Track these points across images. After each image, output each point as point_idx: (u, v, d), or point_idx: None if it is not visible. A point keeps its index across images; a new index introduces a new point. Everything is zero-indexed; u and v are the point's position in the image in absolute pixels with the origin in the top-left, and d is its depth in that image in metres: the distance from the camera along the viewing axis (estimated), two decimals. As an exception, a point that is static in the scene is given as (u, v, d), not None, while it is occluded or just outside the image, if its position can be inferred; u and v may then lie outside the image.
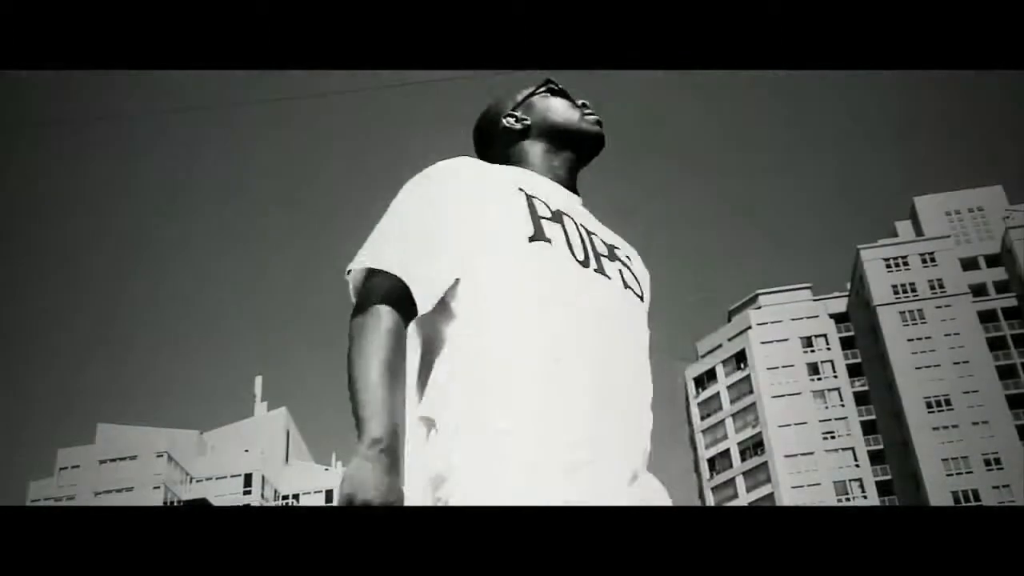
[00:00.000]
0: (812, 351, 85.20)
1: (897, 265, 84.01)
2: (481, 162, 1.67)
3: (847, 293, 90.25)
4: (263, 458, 77.38)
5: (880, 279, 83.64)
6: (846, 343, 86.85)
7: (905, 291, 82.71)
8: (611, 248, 1.70)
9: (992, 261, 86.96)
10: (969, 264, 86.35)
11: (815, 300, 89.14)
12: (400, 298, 1.45)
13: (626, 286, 1.64)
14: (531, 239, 1.54)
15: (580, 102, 1.80)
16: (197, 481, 76.15)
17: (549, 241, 1.55)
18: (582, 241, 1.62)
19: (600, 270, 1.60)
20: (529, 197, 1.60)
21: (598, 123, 1.78)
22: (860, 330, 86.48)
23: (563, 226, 1.60)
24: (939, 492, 72.87)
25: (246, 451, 78.48)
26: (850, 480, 78.45)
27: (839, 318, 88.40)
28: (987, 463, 73.78)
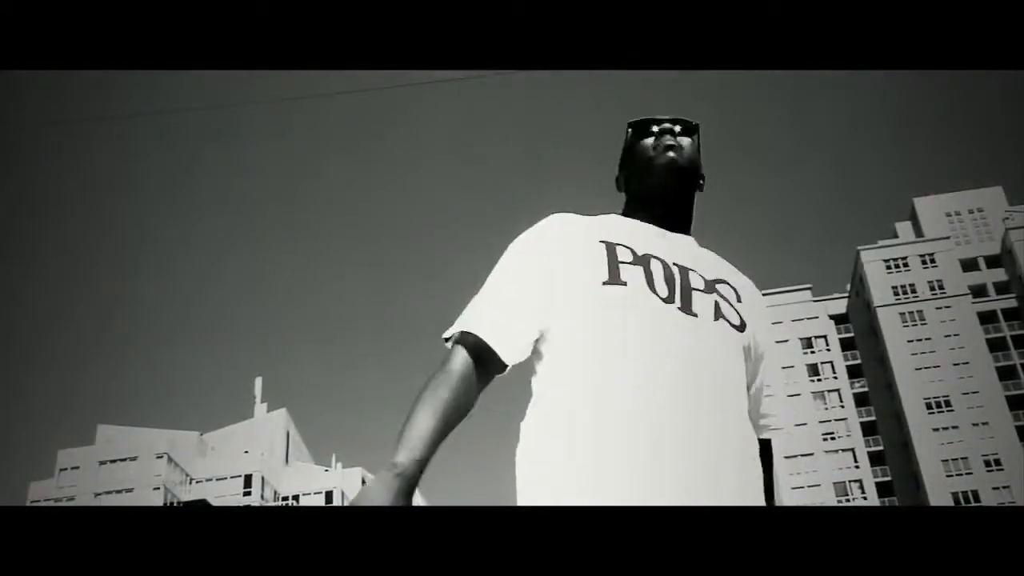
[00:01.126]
0: (812, 352, 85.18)
1: (897, 266, 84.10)
2: (573, 217, 1.73)
3: (847, 294, 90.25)
4: (263, 459, 77.36)
5: (880, 280, 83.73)
6: (846, 344, 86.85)
7: (905, 292, 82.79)
8: (711, 282, 1.67)
9: (992, 262, 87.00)
10: (969, 265, 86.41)
11: (815, 301, 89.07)
12: (483, 354, 1.56)
13: (718, 317, 1.61)
14: (604, 283, 1.58)
15: (658, 130, 1.74)
16: (197, 482, 76.09)
17: (624, 284, 1.58)
18: (668, 279, 1.61)
19: (685, 307, 1.59)
20: (612, 245, 1.65)
21: (668, 149, 1.72)
22: (860, 331, 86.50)
23: (647, 267, 1.62)
24: (939, 493, 72.90)
25: (246, 452, 78.46)
26: (850, 481, 78.44)
27: (839, 319, 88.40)
28: (987, 464, 73.82)
